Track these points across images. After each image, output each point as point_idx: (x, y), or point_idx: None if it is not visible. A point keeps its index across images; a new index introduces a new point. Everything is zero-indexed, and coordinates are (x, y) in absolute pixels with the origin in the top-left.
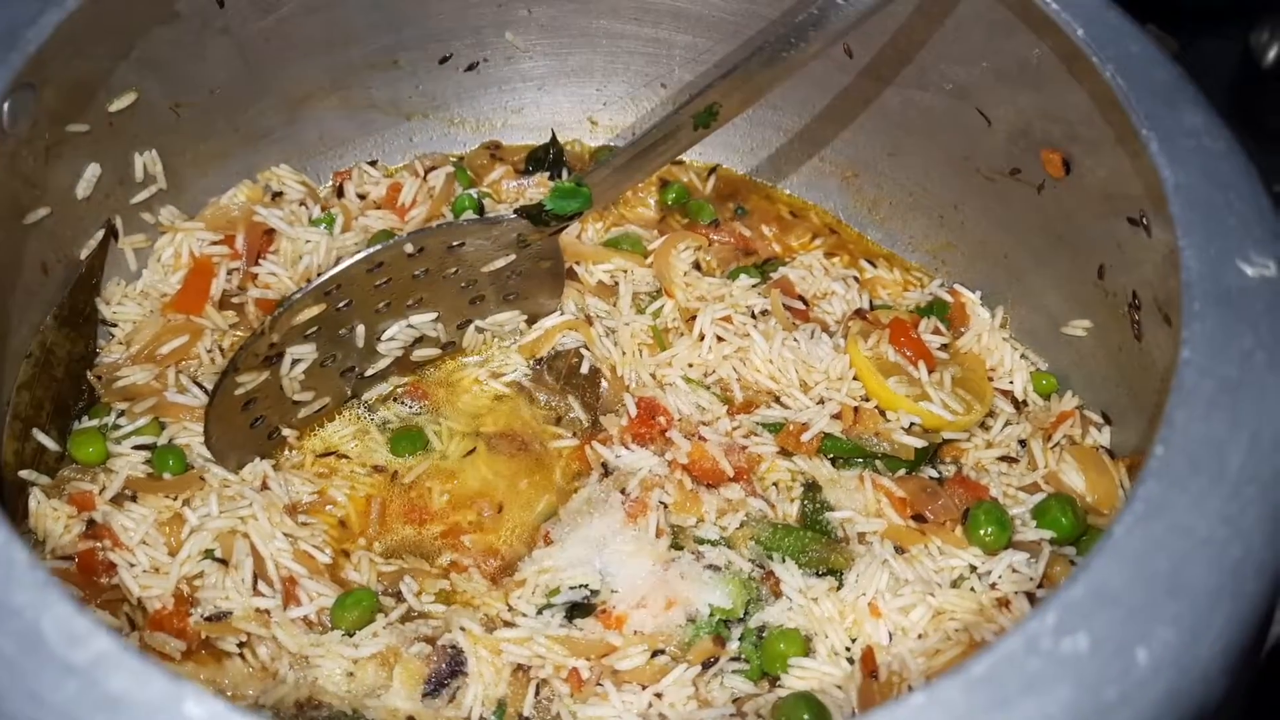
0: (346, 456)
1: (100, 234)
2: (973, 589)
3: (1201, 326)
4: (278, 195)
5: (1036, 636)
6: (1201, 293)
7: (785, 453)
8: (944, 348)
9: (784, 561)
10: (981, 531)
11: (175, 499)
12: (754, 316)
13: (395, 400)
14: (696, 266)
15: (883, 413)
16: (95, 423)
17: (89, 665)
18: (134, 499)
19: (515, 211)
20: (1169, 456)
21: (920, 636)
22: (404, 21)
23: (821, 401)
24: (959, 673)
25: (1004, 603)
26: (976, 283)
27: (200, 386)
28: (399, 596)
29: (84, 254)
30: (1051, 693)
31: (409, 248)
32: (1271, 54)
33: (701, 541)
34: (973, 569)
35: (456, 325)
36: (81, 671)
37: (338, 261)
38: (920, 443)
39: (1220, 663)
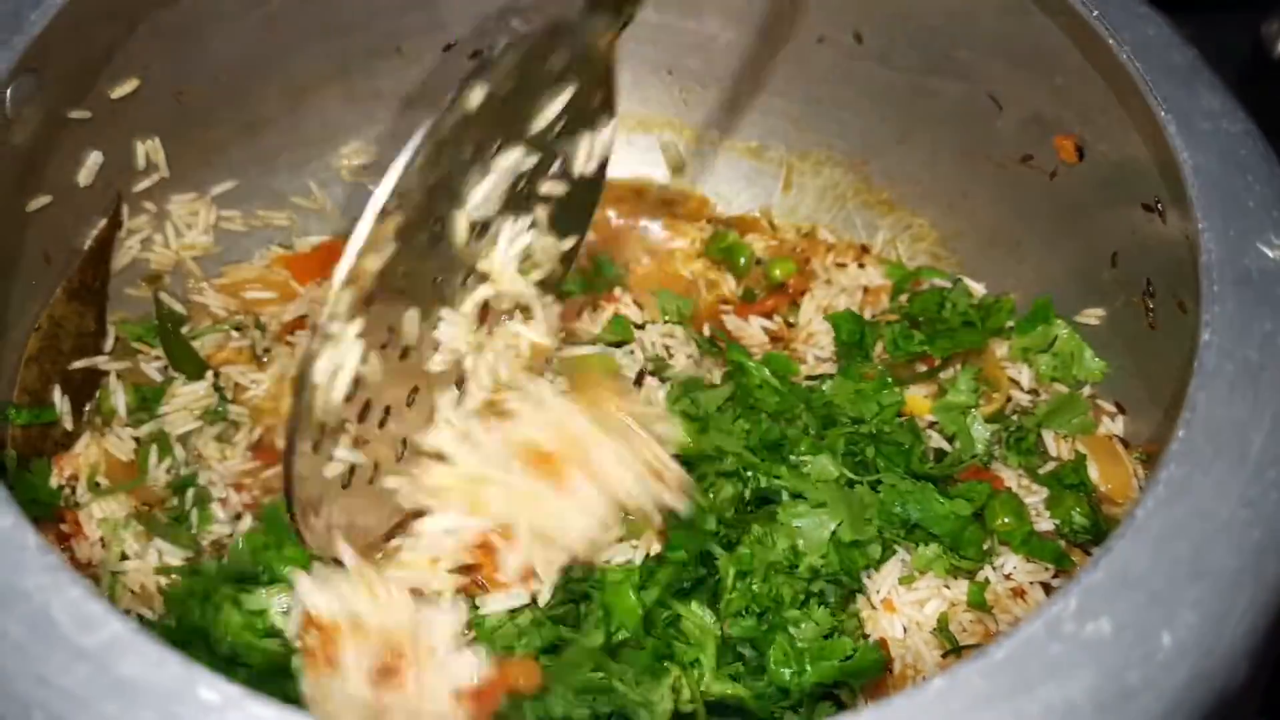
0: None
1: (111, 210)
2: (988, 580)
3: (1222, 309)
4: None
5: (1058, 621)
6: (1221, 275)
7: None
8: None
9: None
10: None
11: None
12: None
13: None
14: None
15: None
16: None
17: (100, 649)
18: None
19: None
20: (1190, 439)
21: (935, 629)
22: (407, 8)
23: None
24: (979, 657)
25: (1019, 593)
26: (987, 271)
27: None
28: None
29: (87, 243)
30: (1074, 677)
31: (477, 96)
32: None
33: None
34: (988, 560)
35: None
36: (92, 655)
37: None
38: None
39: (1243, 646)
